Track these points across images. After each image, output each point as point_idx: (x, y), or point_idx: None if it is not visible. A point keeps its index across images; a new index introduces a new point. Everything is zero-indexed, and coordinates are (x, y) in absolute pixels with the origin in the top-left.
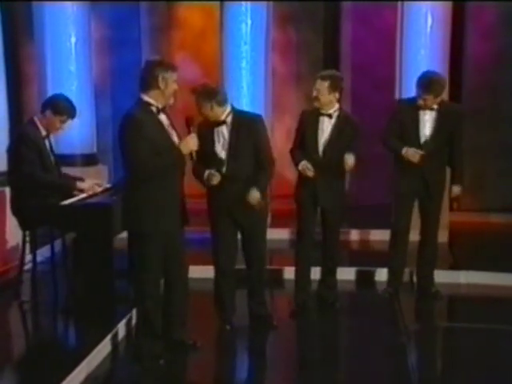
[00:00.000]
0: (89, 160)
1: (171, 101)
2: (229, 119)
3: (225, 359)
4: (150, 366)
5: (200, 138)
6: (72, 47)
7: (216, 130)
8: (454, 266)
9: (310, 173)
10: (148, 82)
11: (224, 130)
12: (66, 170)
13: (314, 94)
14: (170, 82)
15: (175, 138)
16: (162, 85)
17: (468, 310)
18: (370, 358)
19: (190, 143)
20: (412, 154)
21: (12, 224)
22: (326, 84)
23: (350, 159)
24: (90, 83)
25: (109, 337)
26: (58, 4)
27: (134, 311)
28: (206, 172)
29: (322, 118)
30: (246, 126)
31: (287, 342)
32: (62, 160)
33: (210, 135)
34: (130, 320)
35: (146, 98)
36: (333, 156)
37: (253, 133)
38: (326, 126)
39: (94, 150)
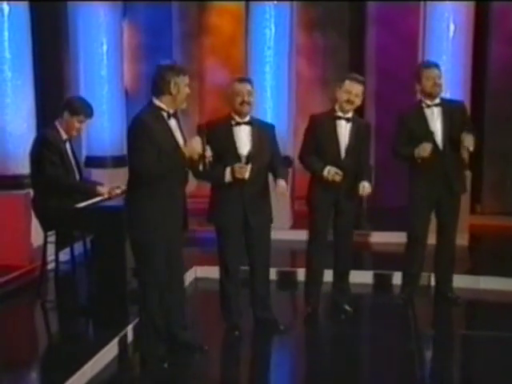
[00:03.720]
0: (118, 162)
1: (184, 105)
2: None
3: (231, 364)
4: (154, 369)
5: (217, 137)
6: (103, 53)
7: (236, 129)
8: (474, 271)
9: (339, 177)
10: (160, 87)
11: (247, 131)
12: (96, 171)
13: (349, 97)
14: (181, 87)
15: (181, 144)
16: (173, 90)
17: (486, 316)
18: (376, 365)
19: (194, 145)
20: (423, 148)
21: (38, 224)
22: (362, 88)
23: (367, 188)
24: (120, 87)
25: (116, 339)
26: (91, 5)
27: None
28: (236, 165)
29: (339, 122)
30: (265, 130)
31: (294, 346)
32: (93, 162)
33: (230, 135)
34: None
35: (157, 102)
36: (354, 160)
37: (271, 138)
38: (345, 130)
39: (124, 152)
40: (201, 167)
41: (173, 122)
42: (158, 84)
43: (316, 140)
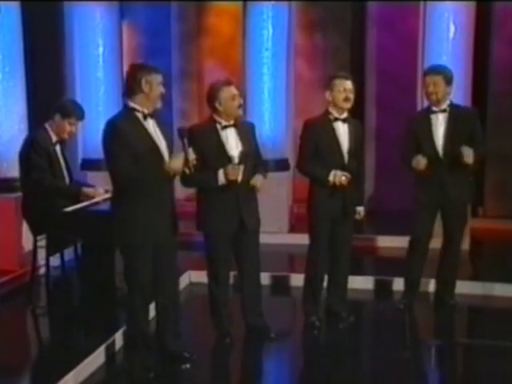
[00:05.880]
0: None
1: (158, 105)
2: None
3: (221, 373)
4: (141, 380)
5: (204, 142)
6: (100, 55)
7: (223, 133)
8: (475, 276)
9: (346, 180)
10: (132, 86)
11: (233, 133)
12: (92, 174)
13: (346, 95)
14: (154, 85)
15: (162, 145)
16: (145, 88)
17: (488, 324)
18: (372, 373)
19: (175, 164)
20: (417, 161)
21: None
22: (352, 83)
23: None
24: (117, 89)
25: (103, 346)
26: (87, 5)
27: None
28: (229, 166)
29: (337, 124)
30: (248, 129)
31: (285, 354)
32: (89, 164)
33: (218, 139)
34: None
35: (131, 104)
36: (354, 162)
37: (254, 137)
38: (343, 132)
39: None
40: (187, 171)
41: (150, 123)
42: (130, 84)
43: (315, 146)
